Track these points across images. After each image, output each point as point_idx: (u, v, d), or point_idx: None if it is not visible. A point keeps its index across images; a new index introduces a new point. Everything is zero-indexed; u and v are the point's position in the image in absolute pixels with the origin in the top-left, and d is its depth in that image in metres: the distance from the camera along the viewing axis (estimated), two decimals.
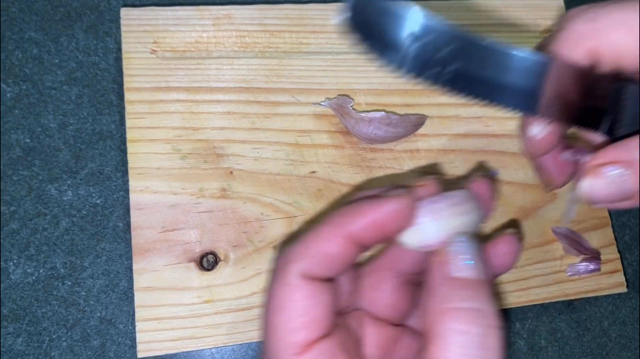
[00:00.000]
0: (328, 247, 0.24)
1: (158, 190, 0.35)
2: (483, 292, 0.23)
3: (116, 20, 0.41)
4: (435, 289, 0.23)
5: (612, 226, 0.42)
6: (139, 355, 0.33)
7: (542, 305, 0.41)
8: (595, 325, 0.42)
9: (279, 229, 0.36)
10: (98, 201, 0.38)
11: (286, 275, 0.24)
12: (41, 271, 0.37)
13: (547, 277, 0.39)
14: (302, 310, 0.24)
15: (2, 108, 0.38)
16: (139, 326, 0.34)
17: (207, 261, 0.35)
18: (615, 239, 0.41)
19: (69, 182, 0.38)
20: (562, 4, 0.44)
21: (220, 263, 0.35)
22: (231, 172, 0.37)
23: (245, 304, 0.35)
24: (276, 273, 0.25)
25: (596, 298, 0.42)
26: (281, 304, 0.24)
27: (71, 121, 0.39)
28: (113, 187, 0.38)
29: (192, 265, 0.35)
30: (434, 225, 0.24)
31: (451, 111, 0.40)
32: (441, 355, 0.22)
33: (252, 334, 0.34)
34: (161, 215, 0.35)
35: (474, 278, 0.24)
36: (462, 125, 0.40)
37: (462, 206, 0.25)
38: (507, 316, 0.41)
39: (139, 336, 0.33)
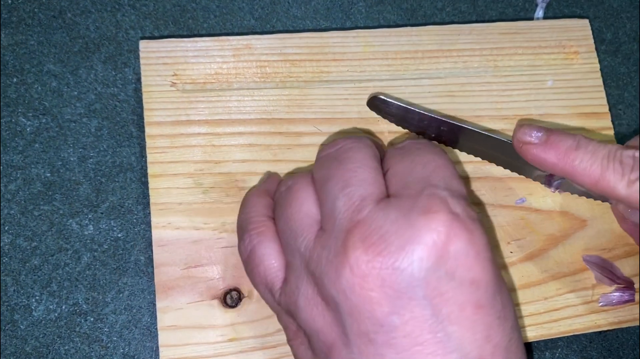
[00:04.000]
0: None
1: (180, 226, 0.35)
2: None
3: (134, 50, 0.40)
4: None
5: None
6: None
7: (572, 334, 0.40)
8: (628, 353, 0.41)
9: None
10: (119, 235, 0.38)
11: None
12: (63, 307, 0.36)
13: (578, 308, 0.38)
14: None
15: (22, 142, 0.38)
16: None
17: (231, 298, 0.35)
18: None
19: (90, 216, 0.38)
20: (588, 24, 0.43)
21: (244, 300, 0.35)
22: None
23: (271, 342, 0.34)
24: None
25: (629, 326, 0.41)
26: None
27: (91, 154, 0.39)
28: (134, 221, 0.38)
29: (216, 302, 0.34)
30: None
31: None
32: None
33: None
34: (184, 251, 0.35)
35: None
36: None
37: None
38: (537, 345, 0.40)
39: None
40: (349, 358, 0.25)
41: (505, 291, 0.27)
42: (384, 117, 0.38)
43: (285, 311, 0.29)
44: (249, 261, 0.30)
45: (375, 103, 0.37)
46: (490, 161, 0.38)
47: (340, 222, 0.26)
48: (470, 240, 0.25)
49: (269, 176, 0.36)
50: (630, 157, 0.30)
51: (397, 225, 0.25)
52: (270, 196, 0.33)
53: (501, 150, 0.36)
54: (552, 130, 0.32)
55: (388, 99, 0.36)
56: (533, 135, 0.32)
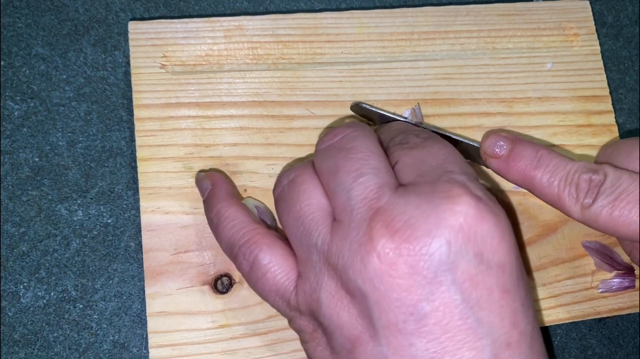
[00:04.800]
0: None
1: (170, 211, 0.34)
2: None
3: (124, 33, 0.40)
4: None
5: None
6: None
7: (572, 321, 0.39)
8: (628, 342, 0.40)
9: None
10: (109, 221, 0.37)
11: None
12: (52, 294, 0.36)
13: (578, 294, 0.37)
14: None
15: (10, 126, 0.37)
16: (152, 352, 0.32)
17: (222, 284, 0.34)
18: None
19: (79, 202, 0.37)
20: (588, 5, 0.42)
21: (235, 286, 0.34)
22: (245, 190, 0.35)
23: (263, 329, 0.33)
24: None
25: (628, 313, 0.40)
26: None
27: (80, 138, 0.38)
28: (124, 206, 0.37)
29: (206, 288, 0.34)
30: None
31: (473, 121, 0.38)
32: None
33: None
34: (173, 236, 0.34)
35: None
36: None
37: None
38: None
39: None
40: (376, 351, 0.24)
41: (526, 277, 0.27)
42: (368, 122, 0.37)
43: (303, 311, 0.28)
44: (251, 275, 0.29)
45: (358, 109, 0.36)
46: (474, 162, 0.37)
47: (358, 211, 0.25)
48: (496, 222, 0.25)
49: (214, 179, 0.33)
50: (586, 181, 0.29)
51: (420, 210, 0.24)
52: (238, 200, 0.32)
53: (471, 152, 0.35)
54: (515, 143, 0.32)
55: (371, 108, 0.36)
56: (497, 147, 0.32)
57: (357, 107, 0.36)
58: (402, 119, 0.35)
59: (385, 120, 0.35)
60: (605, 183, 0.29)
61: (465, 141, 0.34)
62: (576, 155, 0.39)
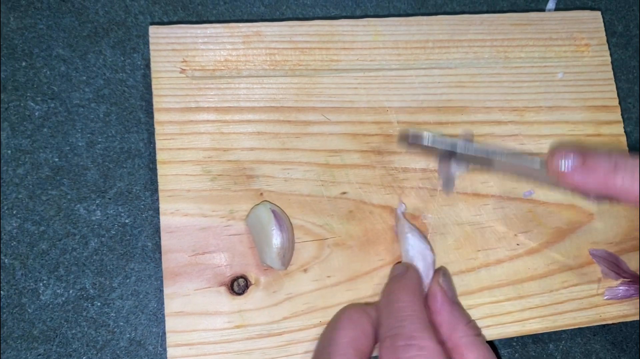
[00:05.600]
0: None
1: (188, 213, 0.35)
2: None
3: (143, 35, 0.40)
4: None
5: None
6: None
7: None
8: (631, 347, 0.41)
9: (310, 252, 0.36)
10: (127, 221, 0.38)
11: None
12: (71, 291, 0.36)
13: (583, 301, 0.38)
14: None
15: (30, 127, 0.38)
16: (170, 351, 0.33)
17: (238, 285, 0.35)
18: None
19: (97, 202, 0.38)
20: (600, 16, 0.43)
21: (251, 287, 0.35)
22: (261, 194, 0.36)
23: (277, 330, 0.34)
24: None
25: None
26: None
27: (99, 139, 0.39)
28: (142, 206, 0.38)
29: (223, 289, 0.34)
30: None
31: (485, 129, 0.39)
32: None
33: None
34: (192, 238, 0.35)
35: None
36: (496, 143, 0.39)
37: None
38: (540, 337, 0.40)
39: None
40: None
41: None
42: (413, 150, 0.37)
43: None
44: None
45: (408, 140, 0.35)
46: (509, 174, 0.37)
47: None
48: None
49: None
50: None
51: None
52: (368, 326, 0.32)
53: (533, 174, 0.34)
54: (586, 154, 0.31)
55: (421, 134, 0.35)
56: (568, 161, 0.31)
57: (406, 138, 0.35)
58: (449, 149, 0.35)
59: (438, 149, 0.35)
60: None
61: (528, 160, 0.34)
62: None
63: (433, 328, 0.31)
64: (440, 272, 0.35)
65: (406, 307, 0.31)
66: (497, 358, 0.37)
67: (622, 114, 0.42)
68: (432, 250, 0.35)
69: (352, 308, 0.33)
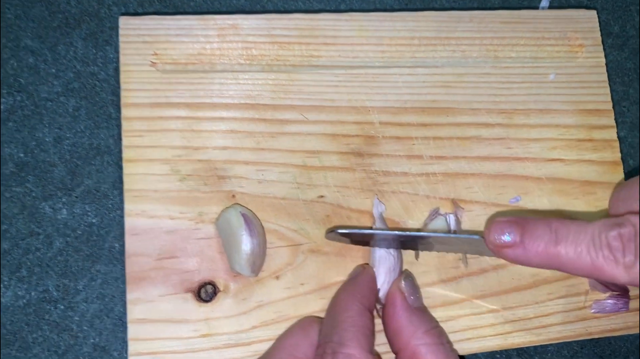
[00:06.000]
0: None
1: (155, 215, 0.33)
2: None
3: (117, 27, 0.38)
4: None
5: None
6: None
7: None
8: None
9: (283, 258, 0.34)
10: (94, 221, 0.36)
11: None
12: (33, 294, 0.35)
13: (570, 314, 0.36)
14: None
15: None
16: None
17: (206, 292, 0.33)
18: None
19: (63, 200, 0.36)
20: (595, 15, 0.41)
21: (219, 294, 0.33)
22: (233, 196, 0.34)
23: (245, 340, 0.33)
24: None
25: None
26: None
27: (67, 135, 0.37)
28: (110, 206, 0.36)
29: (190, 295, 0.33)
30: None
31: (471, 131, 0.37)
32: None
33: None
34: (158, 241, 0.33)
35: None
36: (482, 147, 0.37)
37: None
38: (526, 349, 0.39)
39: None
40: None
41: None
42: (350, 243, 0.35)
43: None
44: None
45: (333, 236, 0.34)
46: (468, 253, 0.36)
47: None
48: None
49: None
50: (616, 238, 0.27)
51: None
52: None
53: (478, 246, 0.32)
54: (524, 225, 0.29)
55: (347, 231, 0.33)
56: (506, 235, 0.29)
57: (332, 234, 0.33)
58: (377, 233, 0.33)
59: (363, 238, 0.34)
60: (638, 233, 0.26)
61: (467, 237, 0.32)
62: (576, 170, 0.38)
63: (392, 334, 0.31)
64: (402, 276, 0.33)
65: (343, 313, 0.30)
66: None
67: (616, 118, 0.40)
68: (399, 253, 0.34)
69: (310, 316, 0.33)
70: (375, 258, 0.33)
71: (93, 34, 0.39)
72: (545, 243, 0.28)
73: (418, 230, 0.35)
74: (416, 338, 0.30)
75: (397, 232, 0.32)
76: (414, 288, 0.32)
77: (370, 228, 0.34)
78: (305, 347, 0.30)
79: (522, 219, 0.29)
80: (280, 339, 0.32)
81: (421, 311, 0.32)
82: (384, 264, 0.33)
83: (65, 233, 0.36)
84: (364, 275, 0.33)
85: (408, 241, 0.34)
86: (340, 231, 0.32)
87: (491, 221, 0.30)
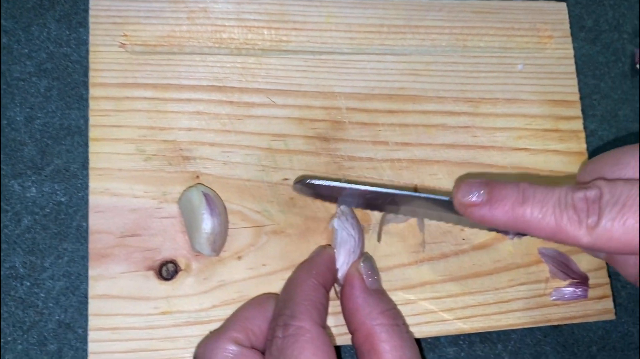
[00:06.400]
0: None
1: (119, 193, 0.34)
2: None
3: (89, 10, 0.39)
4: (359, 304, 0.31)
5: None
6: None
7: (525, 327, 0.39)
8: (583, 350, 0.40)
9: (246, 239, 0.34)
10: (62, 200, 0.37)
11: None
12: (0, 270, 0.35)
13: (530, 300, 0.36)
14: None
15: None
16: (91, 335, 0.32)
17: (167, 271, 0.33)
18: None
19: (33, 178, 0.36)
20: (565, 7, 0.41)
21: (180, 273, 0.33)
22: (197, 176, 0.35)
23: (205, 318, 0.33)
24: None
25: (582, 322, 0.40)
26: None
27: (38, 114, 0.37)
28: (79, 185, 0.37)
29: (151, 273, 0.33)
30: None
31: (437, 119, 0.38)
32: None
33: None
34: (121, 219, 0.33)
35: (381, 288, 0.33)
36: (448, 134, 0.38)
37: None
38: (489, 336, 0.39)
39: (92, 346, 0.32)
40: None
41: None
42: (315, 198, 0.35)
43: None
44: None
45: (303, 187, 0.34)
46: (432, 219, 0.36)
47: None
48: None
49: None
50: (582, 200, 0.26)
51: None
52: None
53: (443, 208, 0.33)
54: (493, 185, 0.29)
55: (317, 182, 0.33)
56: (474, 194, 0.29)
57: (301, 186, 0.33)
58: (353, 187, 0.33)
59: (335, 193, 0.34)
60: (603, 196, 0.26)
61: (434, 197, 0.32)
62: (541, 160, 0.39)
63: (349, 314, 0.31)
64: (362, 258, 0.33)
65: (297, 287, 0.30)
66: (421, 356, 0.36)
67: (587, 111, 0.41)
68: (361, 236, 0.34)
69: (268, 293, 0.34)
70: (336, 239, 0.34)
71: (67, 16, 0.39)
72: (512, 203, 0.28)
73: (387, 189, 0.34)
74: (372, 318, 0.30)
75: (364, 187, 0.32)
76: (373, 270, 0.33)
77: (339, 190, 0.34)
78: (260, 321, 0.30)
79: (490, 180, 0.29)
80: (236, 313, 0.32)
81: (378, 293, 0.32)
82: (344, 246, 0.33)
83: (34, 211, 0.36)
84: (322, 254, 0.33)
85: (375, 201, 0.34)
86: (309, 181, 0.32)
87: (460, 181, 0.30)
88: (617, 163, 0.28)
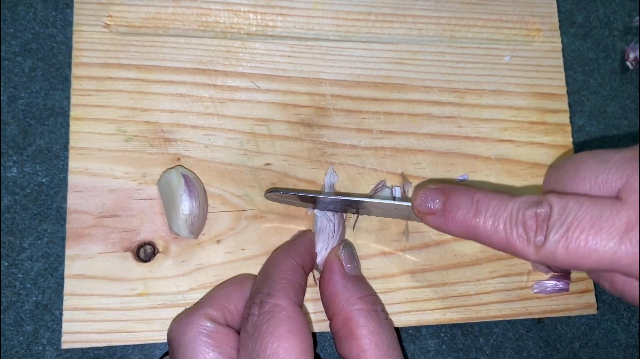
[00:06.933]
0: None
1: (98, 173, 0.33)
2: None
3: None
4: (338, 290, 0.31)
5: None
6: (64, 346, 0.32)
7: (509, 321, 0.38)
8: (565, 346, 0.40)
9: (226, 222, 0.34)
10: (44, 180, 0.36)
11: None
12: None
13: (511, 293, 0.36)
14: None
15: None
16: (66, 315, 0.32)
17: (145, 252, 0.33)
18: None
19: (14, 158, 0.36)
20: (554, 1, 0.41)
21: (158, 255, 0.33)
22: (179, 159, 0.34)
23: (182, 301, 0.33)
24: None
25: (568, 317, 0.39)
26: None
27: (22, 94, 0.37)
28: (60, 166, 0.36)
29: (129, 254, 0.33)
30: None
31: (423, 109, 0.38)
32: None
33: None
34: (99, 199, 0.33)
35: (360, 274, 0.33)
36: (433, 124, 0.37)
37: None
38: (471, 329, 0.39)
39: (66, 326, 0.32)
40: None
41: None
42: (288, 204, 0.35)
43: None
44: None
45: (273, 196, 0.34)
46: (395, 218, 0.36)
47: None
48: None
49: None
50: (532, 218, 0.26)
51: None
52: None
53: (405, 213, 0.34)
54: (448, 193, 0.29)
55: (283, 191, 0.34)
56: (429, 202, 0.29)
57: (272, 195, 0.34)
58: (322, 196, 0.33)
59: (300, 200, 0.34)
60: (552, 216, 0.26)
61: (398, 203, 0.33)
62: (526, 152, 0.38)
63: (328, 299, 0.31)
64: (342, 244, 0.33)
65: (275, 267, 0.30)
66: (399, 341, 0.36)
67: (575, 107, 0.41)
68: (341, 222, 0.34)
69: (245, 273, 0.34)
70: (316, 225, 0.34)
71: None
72: (465, 214, 0.28)
73: (353, 196, 0.35)
74: (350, 303, 0.30)
75: (332, 197, 0.33)
76: (352, 256, 0.33)
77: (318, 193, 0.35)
78: (237, 299, 0.30)
79: (447, 187, 0.29)
80: (213, 291, 0.32)
81: (357, 279, 0.32)
82: (324, 231, 0.33)
83: (14, 191, 0.36)
84: (302, 237, 0.33)
85: (348, 205, 0.34)
86: (280, 192, 0.33)
87: (419, 188, 0.30)
88: (575, 175, 0.28)
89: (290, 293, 0.29)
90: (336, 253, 0.32)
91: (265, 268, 0.31)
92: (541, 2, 0.41)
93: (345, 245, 0.33)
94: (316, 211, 0.34)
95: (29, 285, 0.35)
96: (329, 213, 0.34)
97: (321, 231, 0.33)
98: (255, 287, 0.30)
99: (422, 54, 0.38)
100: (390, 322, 0.31)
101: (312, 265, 0.33)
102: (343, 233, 0.34)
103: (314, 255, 0.33)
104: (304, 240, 0.33)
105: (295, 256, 0.31)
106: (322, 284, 0.32)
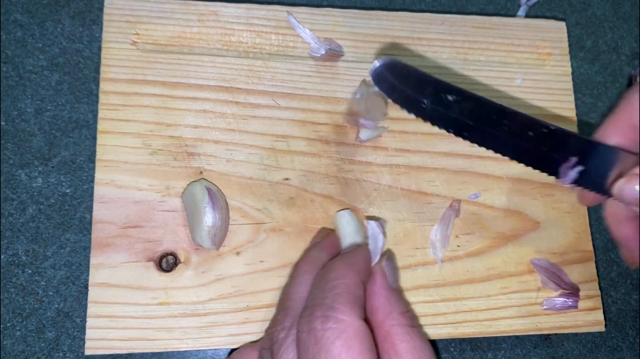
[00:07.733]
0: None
1: (123, 185, 0.35)
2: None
3: (104, 8, 0.40)
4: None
5: (598, 262, 0.40)
6: (87, 352, 0.32)
7: (517, 337, 0.39)
8: None
9: (245, 235, 0.35)
10: (67, 191, 0.37)
11: None
12: (2, 257, 0.36)
13: (521, 309, 0.37)
14: None
15: None
16: (89, 322, 0.33)
17: (167, 262, 0.34)
18: (599, 275, 0.40)
19: (40, 169, 0.37)
20: (564, 26, 0.42)
21: (180, 265, 0.34)
22: (201, 172, 0.36)
23: (201, 310, 0.34)
24: None
25: (575, 334, 0.40)
26: None
27: (48, 107, 0.38)
28: (84, 178, 0.38)
29: (151, 264, 0.34)
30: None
31: (437, 128, 0.39)
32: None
33: (205, 342, 0.33)
34: (124, 210, 0.34)
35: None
36: (446, 143, 0.39)
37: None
38: (479, 345, 0.39)
39: (89, 333, 0.33)
40: None
41: None
42: (389, 96, 0.31)
43: None
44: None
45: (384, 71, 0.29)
46: (505, 155, 0.32)
47: None
48: None
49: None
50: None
51: None
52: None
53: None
54: None
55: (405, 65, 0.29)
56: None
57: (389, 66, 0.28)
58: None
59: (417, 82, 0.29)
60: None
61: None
62: (536, 172, 0.39)
63: (369, 311, 0.30)
64: (385, 256, 0.33)
65: (337, 279, 0.29)
66: (437, 356, 0.36)
67: (583, 129, 0.42)
68: (383, 234, 0.34)
69: (248, 346, 0.33)
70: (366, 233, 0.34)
71: (81, 13, 0.40)
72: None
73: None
74: (392, 318, 0.30)
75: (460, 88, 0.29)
76: (394, 269, 0.33)
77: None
78: None
79: None
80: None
81: (398, 293, 0.32)
82: (371, 241, 0.34)
83: (39, 201, 0.37)
84: (361, 250, 0.33)
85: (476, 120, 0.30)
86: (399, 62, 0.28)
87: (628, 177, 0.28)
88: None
89: (355, 308, 0.28)
90: (380, 265, 0.32)
91: (326, 279, 0.30)
92: (552, 27, 0.42)
93: (389, 257, 0.33)
94: (367, 222, 0.34)
95: (51, 293, 0.36)
96: (378, 228, 0.34)
97: (369, 241, 0.34)
98: (312, 298, 0.29)
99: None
100: (427, 338, 0.31)
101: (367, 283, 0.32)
102: (384, 245, 0.35)
103: (370, 273, 0.32)
104: (364, 254, 0.32)
105: (358, 271, 0.30)
106: (365, 295, 0.31)
